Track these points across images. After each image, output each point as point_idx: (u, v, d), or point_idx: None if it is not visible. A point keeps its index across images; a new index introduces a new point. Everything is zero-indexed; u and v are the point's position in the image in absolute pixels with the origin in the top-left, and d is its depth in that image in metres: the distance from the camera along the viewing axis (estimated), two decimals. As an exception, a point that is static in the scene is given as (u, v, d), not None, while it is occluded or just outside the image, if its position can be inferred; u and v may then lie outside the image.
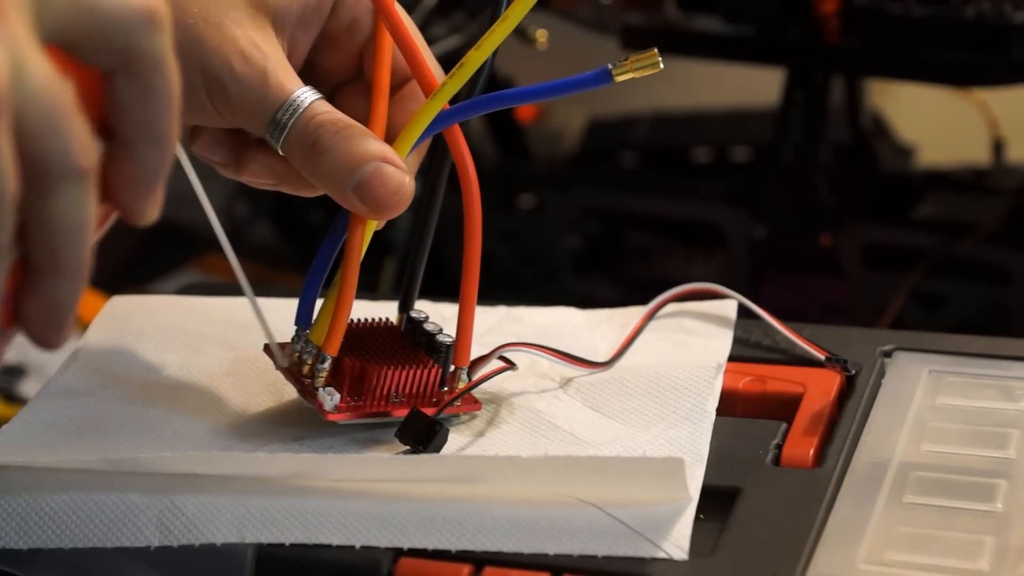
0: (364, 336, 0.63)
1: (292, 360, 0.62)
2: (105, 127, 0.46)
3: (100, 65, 0.45)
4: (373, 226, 0.62)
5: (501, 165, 1.11)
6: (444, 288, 1.02)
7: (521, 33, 1.01)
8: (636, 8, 0.99)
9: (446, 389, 0.62)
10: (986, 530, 0.56)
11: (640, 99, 1.19)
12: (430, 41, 0.96)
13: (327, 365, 0.61)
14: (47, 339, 0.45)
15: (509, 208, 1.06)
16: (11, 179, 0.42)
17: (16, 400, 0.91)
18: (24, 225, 0.43)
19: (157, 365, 0.67)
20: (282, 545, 0.56)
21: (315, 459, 0.60)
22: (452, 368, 0.62)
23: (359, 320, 0.64)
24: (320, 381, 0.61)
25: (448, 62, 1.02)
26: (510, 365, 0.63)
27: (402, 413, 0.61)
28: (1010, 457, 0.60)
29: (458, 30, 0.99)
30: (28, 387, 0.92)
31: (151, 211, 0.47)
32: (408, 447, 0.60)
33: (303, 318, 0.62)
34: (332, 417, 0.61)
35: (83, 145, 0.43)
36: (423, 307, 0.69)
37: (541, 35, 1.02)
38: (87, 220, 0.44)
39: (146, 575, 0.57)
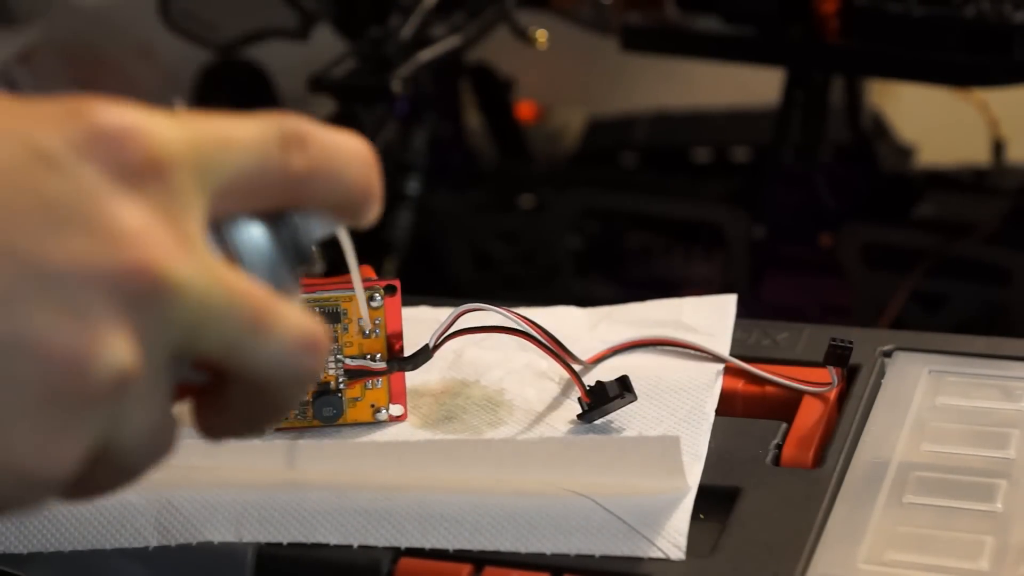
0: None
1: None
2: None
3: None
4: None
5: (501, 165, 1.11)
6: (444, 288, 1.03)
7: (521, 33, 1.01)
8: (636, 8, 0.99)
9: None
10: (986, 530, 0.56)
11: (640, 99, 1.19)
12: (430, 41, 0.97)
13: None
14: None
15: (509, 208, 1.06)
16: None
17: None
18: None
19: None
20: (281, 544, 0.56)
21: (310, 446, 0.60)
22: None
23: None
24: None
25: (448, 62, 1.02)
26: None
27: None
28: (1010, 457, 0.60)
29: (458, 30, 0.99)
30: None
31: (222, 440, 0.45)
32: None
33: None
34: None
35: (161, 456, 0.41)
36: (423, 310, 0.69)
37: (541, 35, 1.02)
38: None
39: (145, 575, 0.57)
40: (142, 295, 0.38)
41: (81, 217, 0.38)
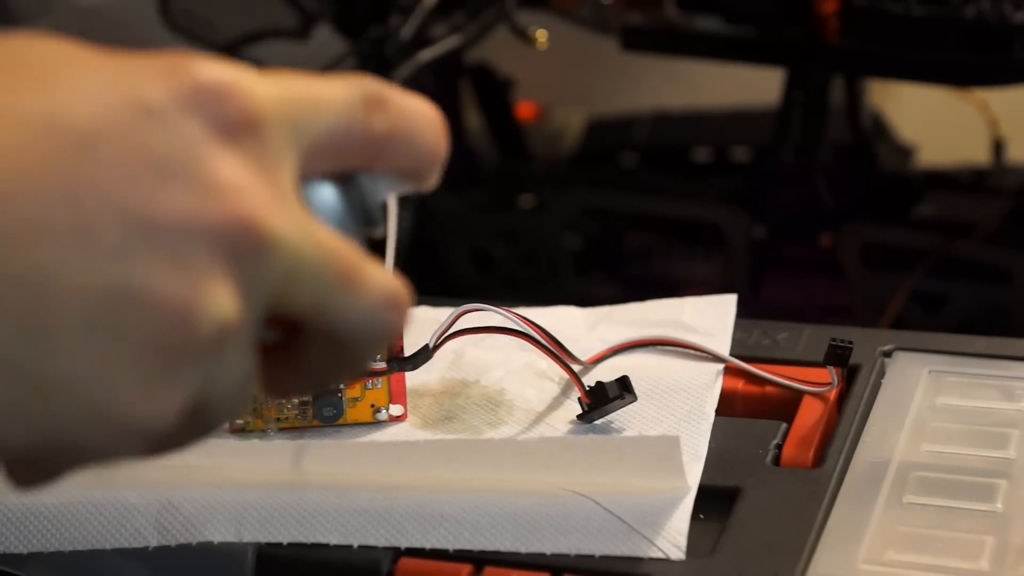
0: None
1: None
2: (287, 324, 0.42)
3: (311, 331, 0.42)
4: None
5: (501, 165, 1.11)
6: (444, 288, 1.03)
7: (521, 33, 1.01)
8: (636, 8, 0.99)
9: None
10: (986, 530, 0.56)
11: (640, 99, 1.19)
12: (430, 41, 0.97)
13: None
14: None
15: (509, 208, 1.06)
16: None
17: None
18: None
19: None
20: (282, 544, 0.56)
21: (310, 446, 0.60)
22: None
23: None
24: None
25: (448, 62, 1.02)
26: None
27: None
28: (1010, 457, 0.60)
29: (458, 30, 0.99)
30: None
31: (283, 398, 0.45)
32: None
33: None
34: None
35: (241, 410, 0.42)
36: (423, 310, 0.69)
37: (541, 35, 1.02)
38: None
39: (146, 575, 0.57)
40: (244, 248, 0.38)
41: (185, 171, 0.38)
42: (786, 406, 0.63)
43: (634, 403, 0.62)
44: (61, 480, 0.40)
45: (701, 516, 0.56)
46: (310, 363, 0.43)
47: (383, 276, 0.42)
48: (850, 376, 0.65)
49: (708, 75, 1.11)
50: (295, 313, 0.41)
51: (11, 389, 0.37)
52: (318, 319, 0.41)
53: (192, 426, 0.40)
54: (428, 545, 0.56)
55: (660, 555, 0.55)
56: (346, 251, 0.41)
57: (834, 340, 0.63)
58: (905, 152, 1.10)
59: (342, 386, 0.62)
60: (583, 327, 0.69)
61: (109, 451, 0.39)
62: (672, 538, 0.55)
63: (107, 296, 0.37)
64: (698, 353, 0.66)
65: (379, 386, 0.63)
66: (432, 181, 0.45)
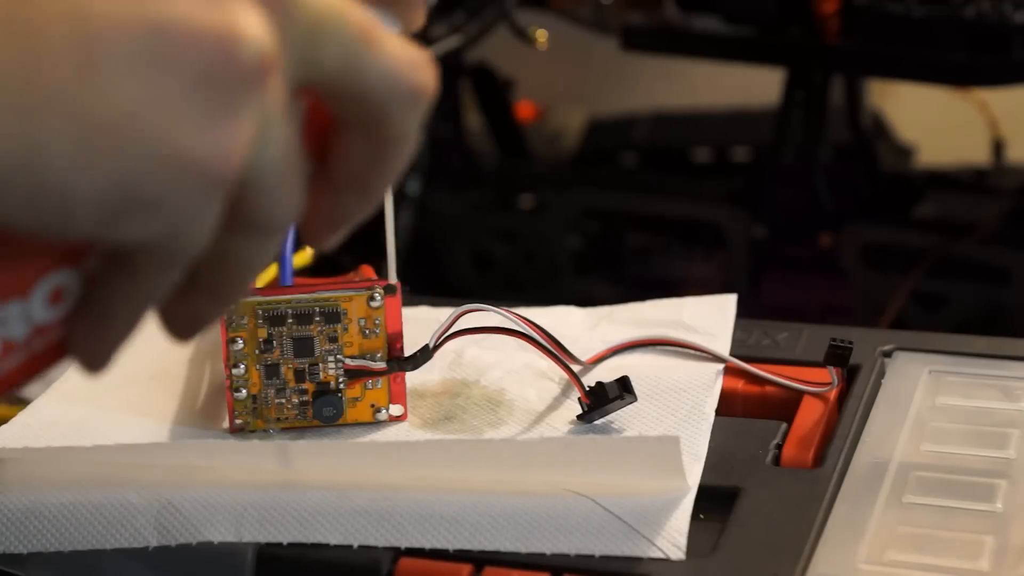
0: None
1: None
2: (320, 149, 0.43)
3: (343, 117, 0.43)
4: None
5: (501, 165, 1.11)
6: (444, 288, 1.03)
7: (521, 33, 1.01)
8: (636, 8, 0.99)
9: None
10: (986, 530, 0.56)
11: (640, 99, 1.19)
12: (430, 41, 0.97)
13: None
14: (179, 338, 0.45)
15: (509, 208, 1.06)
16: (204, 240, 0.40)
17: (18, 401, 0.91)
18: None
19: (160, 371, 0.67)
20: (282, 544, 0.56)
21: (310, 446, 0.60)
22: None
23: None
24: None
25: (448, 62, 1.02)
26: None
27: None
28: (1010, 457, 0.60)
29: (458, 30, 0.99)
30: (31, 389, 0.92)
31: (329, 243, 0.45)
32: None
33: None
34: None
35: (294, 209, 0.42)
36: (423, 310, 0.69)
37: (541, 35, 1.02)
38: (264, 263, 0.43)
39: (145, 575, 0.57)
40: None
41: None
42: (786, 406, 0.63)
43: (634, 403, 0.62)
44: (212, 320, 0.43)
45: (701, 516, 0.57)
46: (349, 164, 0.43)
47: (399, 39, 0.42)
48: (850, 376, 0.65)
49: (708, 75, 1.11)
50: (324, 80, 0.41)
51: (73, 127, 0.37)
52: (347, 81, 0.41)
53: (245, 225, 0.40)
54: (428, 545, 0.56)
55: (660, 555, 0.55)
56: (362, 11, 0.42)
57: (834, 340, 0.63)
58: (905, 152, 1.10)
59: (342, 386, 0.62)
60: (583, 327, 0.69)
61: (184, 206, 0.39)
62: (672, 538, 0.55)
63: (149, 29, 0.38)
64: (698, 353, 0.66)
65: (379, 386, 0.63)
66: (419, 17, 0.45)
